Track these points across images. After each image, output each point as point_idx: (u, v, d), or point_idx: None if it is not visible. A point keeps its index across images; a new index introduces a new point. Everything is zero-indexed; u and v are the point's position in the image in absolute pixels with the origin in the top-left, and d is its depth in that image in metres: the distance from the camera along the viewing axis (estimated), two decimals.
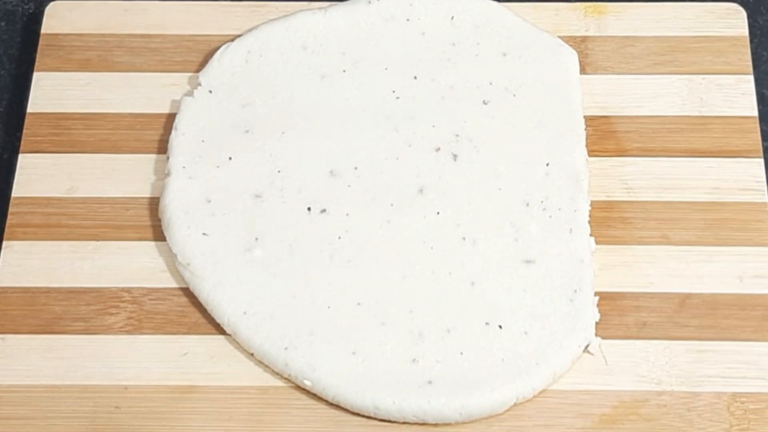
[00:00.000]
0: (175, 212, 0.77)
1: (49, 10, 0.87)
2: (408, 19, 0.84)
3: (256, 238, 0.76)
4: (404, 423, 0.71)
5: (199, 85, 0.82)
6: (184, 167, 0.79)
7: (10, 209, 0.79)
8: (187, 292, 0.76)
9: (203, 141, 0.80)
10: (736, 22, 0.86)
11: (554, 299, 0.74)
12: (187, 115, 0.81)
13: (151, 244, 0.78)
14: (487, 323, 0.73)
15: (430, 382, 0.71)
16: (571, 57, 0.83)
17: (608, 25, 0.86)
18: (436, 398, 0.71)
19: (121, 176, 0.80)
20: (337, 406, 0.72)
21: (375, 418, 0.71)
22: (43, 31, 0.86)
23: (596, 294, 0.74)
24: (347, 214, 0.77)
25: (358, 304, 0.74)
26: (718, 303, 0.75)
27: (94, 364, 0.74)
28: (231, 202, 0.78)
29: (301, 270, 0.75)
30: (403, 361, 0.72)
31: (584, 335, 0.73)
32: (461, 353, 0.72)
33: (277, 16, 0.85)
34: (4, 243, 0.78)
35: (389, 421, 0.71)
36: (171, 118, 0.82)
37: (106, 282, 0.77)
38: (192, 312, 0.75)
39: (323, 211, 0.77)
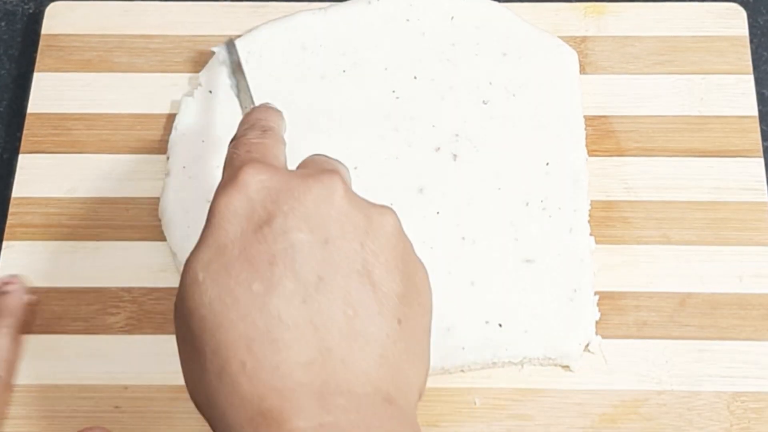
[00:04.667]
0: (175, 212, 0.77)
1: (49, 10, 0.87)
2: (408, 20, 0.84)
3: None
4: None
5: (199, 85, 0.82)
6: (184, 167, 0.79)
7: (10, 209, 0.79)
8: None
9: (203, 141, 0.80)
10: (736, 22, 0.86)
11: (554, 298, 0.74)
12: (187, 115, 0.81)
13: (151, 244, 0.78)
14: (486, 322, 0.73)
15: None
16: (571, 57, 0.83)
17: (608, 25, 0.86)
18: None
19: (121, 176, 0.80)
20: None
21: None
22: (43, 31, 0.86)
23: (596, 293, 0.74)
24: None
25: None
26: (718, 302, 0.75)
27: (94, 364, 0.74)
28: None
29: None
30: None
31: (584, 333, 0.73)
32: (463, 348, 0.72)
33: (277, 17, 0.85)
34: (4, 243, 0.78)
35: None
36: (171, 118, 0.82)
37: (106, 282, 0.77)
38: None
39: None
